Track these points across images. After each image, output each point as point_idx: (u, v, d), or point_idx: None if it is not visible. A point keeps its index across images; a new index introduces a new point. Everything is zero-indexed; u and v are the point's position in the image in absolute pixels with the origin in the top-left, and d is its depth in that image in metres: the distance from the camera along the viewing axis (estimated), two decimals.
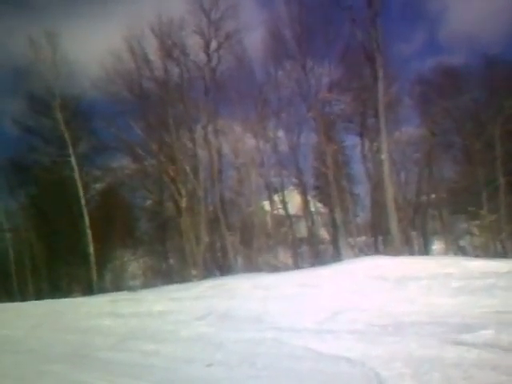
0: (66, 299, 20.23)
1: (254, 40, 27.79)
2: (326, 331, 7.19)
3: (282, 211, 26.72)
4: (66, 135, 26.82)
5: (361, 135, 25.55)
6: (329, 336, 6.85)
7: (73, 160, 26.83)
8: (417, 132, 25.75)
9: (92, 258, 25.86)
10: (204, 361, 6.51)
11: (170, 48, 25.82)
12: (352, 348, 6.01)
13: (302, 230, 27.77)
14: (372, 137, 24.03)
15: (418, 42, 54.18)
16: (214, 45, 26.18)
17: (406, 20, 44.49)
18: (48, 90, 26.82)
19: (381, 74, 19.83)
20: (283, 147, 25.92)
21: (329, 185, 23.32)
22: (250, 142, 25.43)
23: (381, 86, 19.79)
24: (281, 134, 25.93)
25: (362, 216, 28.98)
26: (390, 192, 19.47)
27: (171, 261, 28.45)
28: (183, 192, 24.24)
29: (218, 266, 25.60)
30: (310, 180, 27.73)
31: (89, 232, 25.97)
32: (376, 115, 21.05)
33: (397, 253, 17.59)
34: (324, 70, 25.02)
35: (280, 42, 25.24)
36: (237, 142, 25.12)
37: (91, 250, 25.88)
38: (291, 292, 11.38)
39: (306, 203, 26.37)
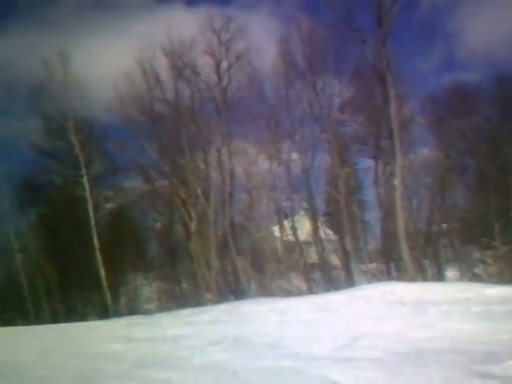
0: (81, 323, 20.10)
1: (265, 60, 28.02)
2: (345, 359, 6.89)
3: (291, 237, 26.49)
4: (80, 157, 27.11)
5: (375, 158, 25.38)
6: (348, 365, 6.56)
7: (85, 180, 27.14)
8: (431, 154, 25.45)
9: (104, 282, 25.75)
10: None
11: (181, 68, 26.13)
12: (373, 379, 5.75)
13: (313, 255, 27.53)
14: (386, 159, 23.80)
15: (435, 60, 54.03)
16: (224, 65, 26.67)
17: (422, 38, 44.31)
18: (61, 112, 27.27)
19: (392, 94, 19.81)
20: (296, 170, 25.73)
21: (340, 211, 23.18)
22: (263, 164, 25.30)
23: (393, 106, 19.72)
24: (294, 156, 25.78)
25: (373, 243, 28.61)
26: (401, 220, 19.33)
27: (184, 285, 28.20)
28: (193, 215, 24.17)
29: (232, 290, 25.35)
30: (321, 205, 27.58)
31: (98, 255, 25.85)
32: (390, 137, 20.84)
33: (411, 279, 17.38)
34: (335, 91, 25.13)
35: (290, 62, 25.59)
36: (250, 164, 24.99)
37: (102, 273, 25.76)
38: (307, 317, 11.07)
39: (316, 229, 26.26)
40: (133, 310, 26.19)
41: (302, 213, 28.01)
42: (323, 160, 26.12)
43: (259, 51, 26.67)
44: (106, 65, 34.88)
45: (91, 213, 26.65)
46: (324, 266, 25.91)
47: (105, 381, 7.14)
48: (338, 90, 25.00)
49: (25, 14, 61.23)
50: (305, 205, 26.77)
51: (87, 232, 26.58)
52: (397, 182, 19.65)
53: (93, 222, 26.48)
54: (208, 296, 23.46)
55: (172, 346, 9.62)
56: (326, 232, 27.97)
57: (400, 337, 8.01)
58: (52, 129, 29.17)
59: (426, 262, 24.57)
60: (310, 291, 23.42)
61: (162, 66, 26.20)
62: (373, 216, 27.74)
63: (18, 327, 22.15)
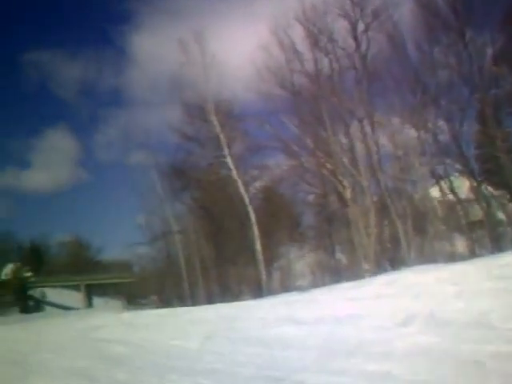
0: (238, 303, 20.35)
1: (404, 14, 26.15)
2: None
3: (451, 196, 25.37)
4: (222, 137, 27.94)
5: None
6: None
7: (229, 160, 27.92)
8: None
9: (260, 256, 26.56)
10: None
11: (317, 36, 25.58)
12: None
13: (476, 212, 26.11)
14: None
15: None
16: (361, 27, 25.54)
17: None
18: (200, 94, 28.60)
19: None
20: (444, 136, 24.51)
21: (500, 168, 21.68)
22: (409, 132, 24.28)
23: None
24: (441, 123, 24.41)
25: None
26: None
27: (339, 255, 28.15)
28: (346, 183, 23.95)
29: (389, 258, 24.88)
30: (476, 166, 25.94)
31: (255, 228, 26.72)
32: None
33: None
34: (486, 40, 22.44)
35: (433, 13, 23.50)
36: (395, 133, 24.15)
37: (258, 246, 26.56)
38: (486, 286, 9.25)
39: (476, 187, 24.82)
40: (286, 287, 26.69)
41: (456, 174, 26.64)
42: (473, 125, 24.45)
43: (396, 5, 25.04)
44: (243, 42, 35.60)
45: (243, 191, 27.72)
46: (490, 221, 24.50)
47: (297, 376, 5.82)
48: (489, 39, 22.59)
49: (156, 6, 63.87)
50: (459, 167, 25.40)
51: (242, 209, 27.83)
52: None
53: (247, 199, 27.55)
54: (366, 266, 23.12)
55: (352, 328, 8.61)
56: (487, 189, 26.41)
57: None
58: (192, 112, 30.61)
59: None
60: (473, 253, 22.22)
61: (298, 35, 26.28)
62: None
63: (178, 309, 23.49)
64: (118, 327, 17.75)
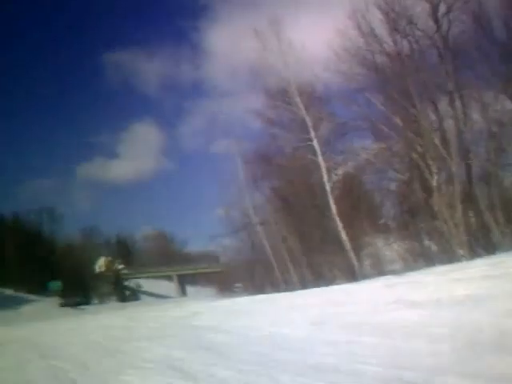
0: (338, 286, 19.98)
1: None
2: None
3: None
4: (307, 119, 27.93)
5: None
6: None
7: (315, 143, 27.73)
8: None
9: (347, 245, 26.22)
10: None
11: (396, 20, 24.84)
12: None
13: None
14: None
15: None
16: (442, 8, 24.27)
17: None
18: (281, 77, 28.72)
19: None
20: None
21: None
22: (505, 104, 22.90)
23: None
24: None
25: None
26: None
27: (427, 242, 27.34)
28: (434, 169, 23.09)
29: (481, 245, 23.77)
30: None
31: (337, 219, 26.39)
32: None
33: None
34: None
35: None
36: (487, 107, 22.89)
37: (344, 236, 26.23)
38: None
39: None
40: (379, 272, 26.25)
41: None
42: None
43: None
44: (318, 27, 35.53)
45: (326, 177, 27.26)
46: None
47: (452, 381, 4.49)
48: None
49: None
50: None
51: (323, 198, 27.40)
52: None
53: (328, 188, 27.04)
54: (460, 252, 22.23)
55: (482, 312, 7.16)
56: None
57: None
58: (275, 96, 30.63)
59: None
60: None
61: (376, 18, 25.56)
62: None
63: (275, 294, 23.61)
64: (216, 314, 18.06)
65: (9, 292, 62.89)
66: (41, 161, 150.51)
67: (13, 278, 64.28)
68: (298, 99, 28.06)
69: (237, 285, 55.50)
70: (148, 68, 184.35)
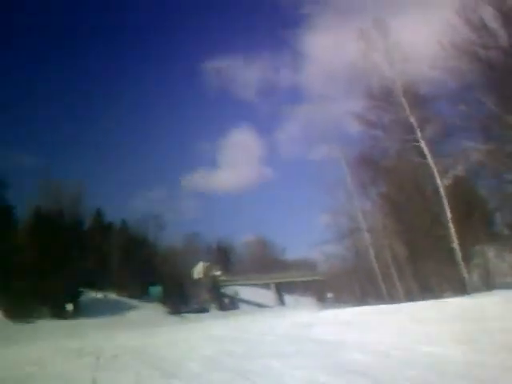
0: (451, 299, 19.25)
1: None
2: None
3: None
4: (411, 119, 27.23)
5: None
6: None
7: (422, 144, 26.99)
8: None
9: (458, 254, 25.01)
10: None
11: (509, 13, 23.45)
12: None
13: None
14: None
15: None
16: None
17: None
18: (385, 77, 28.33)
19: None
20: None
21: None
22: None
23: None
24: None
25: None
26: None
27: None
28: None
29: None
30: None
31: (451, 226, 25.33)
32: None
33: None
34: None
35: None
36: None
37: (456, 245, 25.04)
38: None
39: None
40: (489, 284, 24.81)
41: None
42: None
43: None
44: (425, 22, 34.77)
45: (438, 181, 26.24)
46: None
47: None
48: None
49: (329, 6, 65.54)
50: None
51: (436, 203, 26.50)
52: None
53: (442, 191, 25.94)
54: None
55: None
56: None
57: None
58: (377, 97, 29.98)
59: None
60: None
61: (488, 12, 24.30)
62: None
63: (385, 306, 22.84)
64: (331, 326, 17.54)
65: (112, 296, 65.04)
66: (149, 174, 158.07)
67: (115, 281, 66.86)
68: (402, 99, 27.40)
69: (336, 295, 54.92)
70: (246, 74, 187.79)
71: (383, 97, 29.18)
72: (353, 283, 38.15)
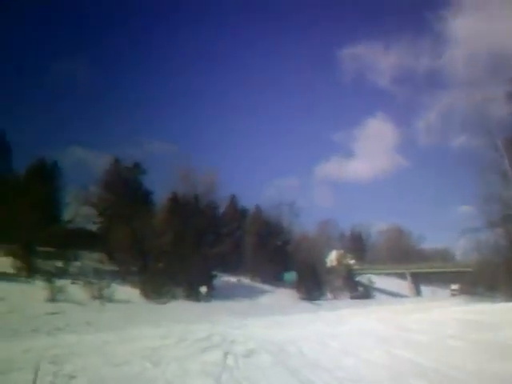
0: None
1: None
2: None
3: None
4: None
5: None
6: None
7: None
8: None
9: None
10: None
11: None
12: None
13: None
14: None
15: None
16: None
17: None
18: None
19: None
20: None
21: None
22: None
23: None
24: None
25: None
26: None
27: None
28: None
29: None
30: None
31: None
32: None
33: None
34: None
35: None
36: None
37: None
38: None
39: None
40: None
41: None
42: None
43: None
44: None
45: None
46: None
47: None
48: None
49: None
50: None
51: None
52: None
53: None
54: None
55: None
56: None
57: None
58: None
59: None
60: None
61: None
62: None
63: None
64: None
65: (245, 281, 65.40)
66: (281, 162, 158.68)
67: (249, 266, 67.63)
68: None
69: (453, 287, 50.98)
70: (383, 60, 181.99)
71: None
72: (502, 276, 34.49)
